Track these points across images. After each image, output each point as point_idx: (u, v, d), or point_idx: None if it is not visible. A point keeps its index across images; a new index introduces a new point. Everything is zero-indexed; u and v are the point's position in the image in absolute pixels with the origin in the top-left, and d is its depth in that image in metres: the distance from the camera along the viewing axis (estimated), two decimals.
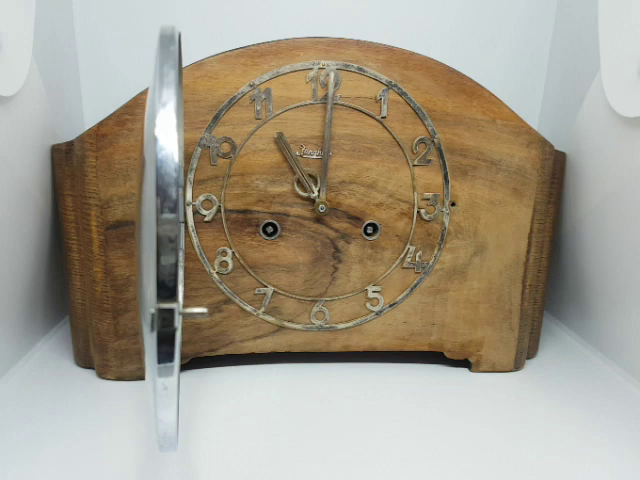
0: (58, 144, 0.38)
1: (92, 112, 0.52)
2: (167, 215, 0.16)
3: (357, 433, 0.34)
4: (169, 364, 0.16)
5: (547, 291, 0.44)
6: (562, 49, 0.50)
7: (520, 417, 0.37)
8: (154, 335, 0.16)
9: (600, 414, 0.37)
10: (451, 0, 0.52)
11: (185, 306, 0.38)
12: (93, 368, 0.41)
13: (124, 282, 0.38)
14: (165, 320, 0.16)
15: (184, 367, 0.40)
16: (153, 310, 0.16)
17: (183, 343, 0.39)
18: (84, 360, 0.41)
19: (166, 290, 0.16)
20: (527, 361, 0.45)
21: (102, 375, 0.40)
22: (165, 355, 0.16)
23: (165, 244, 0.16)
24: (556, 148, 0.40)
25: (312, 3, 0.51)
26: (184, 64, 0.33)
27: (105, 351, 0.39)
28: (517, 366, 0.43)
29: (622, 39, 0.38)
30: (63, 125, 0.45)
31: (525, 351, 0.43)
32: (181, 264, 0.33)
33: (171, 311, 0.16)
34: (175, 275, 0.16)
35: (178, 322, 0.16)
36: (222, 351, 0.40)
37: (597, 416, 0.37)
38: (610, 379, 0.42)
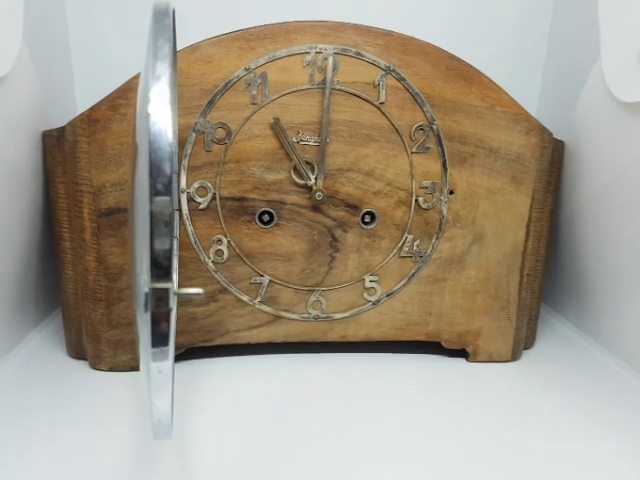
0: (49, 130, 0.37)
1: (84, 96, 0.51)
2: (160, 193, 0.15)
3: (355, 423, 0.34)
4: (164, 348, 0.16)
5: (545, 282, 0.44)
6: (561, 35, 0.50)
7: (517, 407, 0.37)
8: (148, 316, 0.15)
9: (597, 403, 0.37)
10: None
11: (180, 303, 0.37)
12: (86, 359, 0.40)
13: (117, 271, 0.37)
14: (160, 300, 0.15)
15: (178, 358, 0.40)
16: (147, 289, 0.15)
17: (178, 333, 0.39)
18: (77, 351, 0.41)
19: (160, 269, 0.15)
20: (524, 352, 0.44)
21: (95, 366, 0.39)
22: (160, 337, 0.16)
23: (159, 222, 0.15)
24: (555, 137, 0.40)
25: None
26: (178, 47, 0.32)
27: (98, 341, 0.38)
28: (514, 356, 0.43)
29: (622, 24, 0.37)
30: (54, 110, 0.44)
31: (522, 341, 0.43)
32: (175, 252, 0.32)
33: (166, 290, 0.15)
34: (170, 253, 0.16)
35: (173, 302, 0.16)
36: (217, 341, 0.40)
37: (594, 405, 0.37)
38: (607, 369, 0.42)
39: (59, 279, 0.39)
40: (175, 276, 0.33)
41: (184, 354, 0.40)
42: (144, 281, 0.16)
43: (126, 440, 0.31)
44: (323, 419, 0.34)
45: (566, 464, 0.31)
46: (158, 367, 0.16)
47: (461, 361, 0.43)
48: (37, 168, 0.39)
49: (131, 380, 0.38)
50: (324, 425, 0.33)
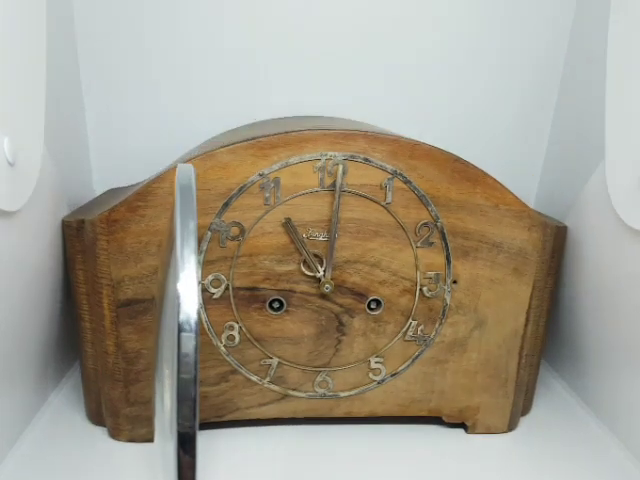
0: (69, 220, 0.39)
1: (101, 172, 0.54)
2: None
3: None
4: None
5: (545, 344, 0.46)
6: (564, 129, 0.51)
7: (510, 477, 0.39)
8: None
9: (582, 475, 0.40)
10: (450, 79, 0.53)
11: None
12: (105, 426, 0.43)
13: (135, 355, 0.39)
14: None
15: None
16: None
17: None
18: (96, 419, 0.43)
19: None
20: (521, 417, 0.46)
21: (114, 437, 0.42)
22: None
23: (183, 440, 0.17)
24: (555, 218, 0.41)
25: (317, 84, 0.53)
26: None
27: (117, 416, 0.41)
28: (511, 427, 0.45)
29: (627, 145, 0.38)
30: (72, 191, 0.46)
31: (519, 413, 0.45)
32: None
33: None
34: (193, 467, 0.17)
35: None
36: (228, 417, 0.42)
37: (574, 471, 0.40)
38: (600, 442, 0.44)
39: (79, 354, 0.41)
40: None
41: None
42: None
43: None
44: None
45: None
46: None
47: (460, 432, 0.45)
48: (58, 251, 0.41)
49: (148, 450, 0.40)
50: None
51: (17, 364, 0.39)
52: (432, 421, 0.45)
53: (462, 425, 0.45)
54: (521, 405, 0.45)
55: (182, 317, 0.20)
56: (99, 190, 0.54)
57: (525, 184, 0.56)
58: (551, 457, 0.42)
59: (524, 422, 0.46)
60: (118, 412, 0.41)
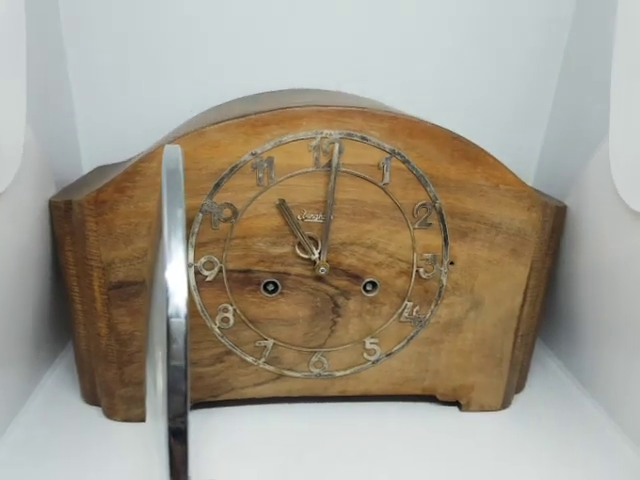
0: (56, 201, 0.37)
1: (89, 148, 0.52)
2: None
3: (353, 467, 0.38)
4: None
5: (540, 323, 0.45)
6: (565, 107, 0.49)
7: (503, 454, 0.40)
8: None
9: (576, 454, 0.40)
10: (449, 56, 0.52)
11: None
12: (100, 406, 0.42)
13: (128, 336, 0.39)
14: None
15: None
16: None
17: None
18: (91, 399, 0.43)
19: (178, 474, 0.17)
20: (515, 395, 0.47)
21: (109, 417, 0.42)
22: None
23: (176, 437, 0.17)
24: (555, 198, 0.40)
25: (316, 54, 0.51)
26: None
27: (112, 396, 0.41)
28: (504, 405, 0.45)
29: (632, 124, 0.37)
30: (59, 169, 0.45)
31: (513, 391, 0.45)
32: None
33: None
34: (186, 459, 0.17)
35: None
36: (223, 397, 0.42)
37: (573, 455, 0.40)
38: (595, 421, 0.44)
39: (72, 335, 0.41)
40: None
41: (192, 407, 0.42)
42: None
43: None
44: (324, 464, 0.37)
45: None
46: None
47: (454, 410, 0.45)
48: (45, 233, 0.40)
49: (144, 430, 0.41)
50: (326, 470, 0.37)
51: (8, 346, 0.38)
52: (426, 399, 0.45)
53: (456, 403, 0.45)
54: (515, 383, 0.45)
55: (171, 310, 0.19)
56: (88, 168, 0.52)
57: (524, 161, 0.55)
58: (544, 435, 0.42)
59: (518, 400, 0.47)
60: (113, 393, 0.40)
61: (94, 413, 0.42)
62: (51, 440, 0.39)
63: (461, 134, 0.36)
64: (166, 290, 0.18)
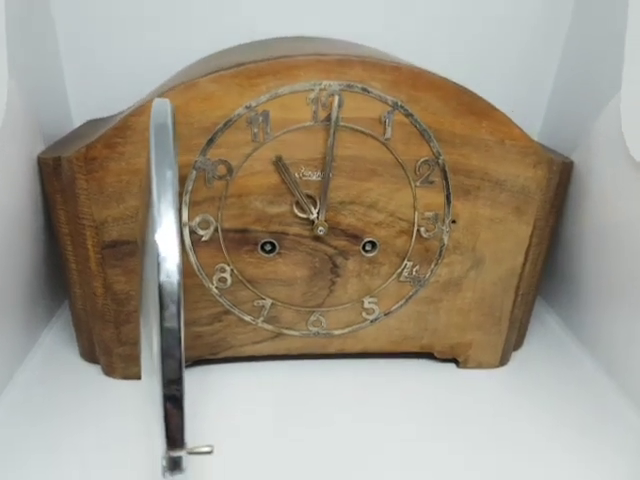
0: (45, 157, 0.36)
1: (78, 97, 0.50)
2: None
3: (351, 424, 0.38)
4: None
5: (541, 281, 0.45)
6: (575, 58, 0.47)
7: (500, 411, 0.40)
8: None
9: (574, 412, 0.40)
10: (454, 4, 0.49)
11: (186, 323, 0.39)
12: (99, 363, 0.43)
13: (125, 296, 0.38)
14: (175, 464, 0.17)
15: (186, 367, 0.42)
16: (164, 462, 0.17)
17: (185, 349, 0.41)
18: (90, 356, 0.43)
19: (174, 441, 0.17)
20: (513, 353, 0.47)
21: (108, 374, 0.42)
22: None
23: (170, 402, 0.16)
24: (561, 154, 0.39)
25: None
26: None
27: (110, 355, 0.41)
28: (502, 363, 0.45)
29: None
30: (48, 124, 0.43)
31: (511, 349, 0.46)
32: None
33: (180, 457, 0.17)
34: (182, 426, 0.17)
35: (186, 463, 0.17)
36: (222, 354, 0.42)
37: (569, 412, 0.40)
38: (591, 377, 0.45)
39: (68, 295, 0.40)
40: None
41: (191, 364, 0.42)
42: (160, 449, 0.17)
43: (142, 448, 0.34)
44: (323, 421, 0.38)
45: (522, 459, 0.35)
46: None
47: (451, 367, 0.46)
48: (37, 192, 0.38)
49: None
50: (324, 427, 0.37)
51: (3, 305, 0.38)
52: (424, 356, 0.45)
53: (454, 360, 0.45)
54: (513, 341, 0.45)
55: (163, 275, 0.18)
56: (79, 122, 0.50)
57: (530, 114, 0.53)
58: (542, 393, 0.42)
59: (516, 357, 0.47)
60: (111, 351, 0.40)
61: (93, 371, 0.42)
62: (50, 398, 0.39)
63: (466, 86, 0.34)
64: (157, 255, 0.18)
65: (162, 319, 0.17)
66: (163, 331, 0.17)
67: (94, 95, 0.52)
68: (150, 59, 0.51)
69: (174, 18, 0.49)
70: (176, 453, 0.17)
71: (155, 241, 0.18)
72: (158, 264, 0.18)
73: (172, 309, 0.17)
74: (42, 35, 0.46)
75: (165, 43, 0.50)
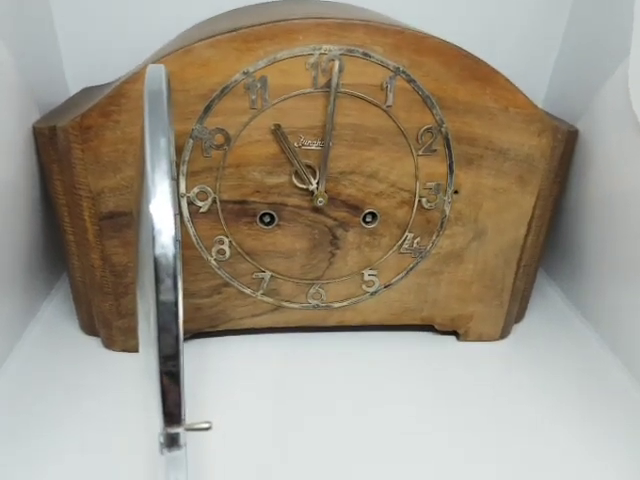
0: (40, 127, 0.35)
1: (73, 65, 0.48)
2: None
3: (351, 395, 0.38)
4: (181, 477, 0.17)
5: (543, 252, 0.44)
6: (581, 24, 0.45)
7: (500, 384, 0.40)
8: (165, 457, 0.17)
9: (574, 386, 0.40)
10: None
11: (185, 295, 0.38)
12: (98, 336, 0.43)
13: (123, 268, 0.38)
14: (173, 440, 0.17)
15: (186, 339, 0.42)
16: (162, 438, 0.17)
17: (185, 321, 0.41)
18: (89, 329, 0.43)
19: (171, 417, 0.17)
20: (514, 325, 0.47)
21: (108, 347, 0.42)
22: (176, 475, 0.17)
23: (167, 378, 0.16)
24: (565, 121, 0.38)
25: None
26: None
27: (109, 327, 0.41)
28: (503, 335, 0.45)
29: None
30: (43, 92, 0.42)
31: (512, 322, 0.46)
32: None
33: (178, 434, 0.17)
34: (179, 402, 0.16)
35: (184, 440, 0.17)
36: (222, 327, 0.42)
37: (570, 386, 0.40)
38: (593, 352, 0.44)
39: (66, 266, 0.40)
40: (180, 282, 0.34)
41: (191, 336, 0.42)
42: (157, 425, 0.17)
43: (141, 422, 0.34)
44: (323, 394, 0.38)
45: (522, 434, 0.35)
46: None
47: (451, 339, 0.46)
48: (33, 162, 0.38)
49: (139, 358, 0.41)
50: (324, 400, 0.38)
51: (2, 279, 0.38)
52: (424, 328, 0.45)
53: (454, 333, 0.45)
54: (515, 314, 0.45)
55: (158, 250, 0.18)
56: (74, 89, 0.49)
57: (535, 80, 0.51)
58: (543, 366, 0.42)
59: (517, 330, 0.47)
60: (110, 324, 0.40)
61: (93, 344, 0.42)
62: (50, 371, 0.39)
63: (470, 51, 0.33)
64: (152, 227, 0.17)
65: (158, 293, 0.17)
66: (159, 305, 0.17)
67: (90, 62, 0.50)
68: (147, 25, 0.49)
69: None
70: (174, 430, 0.17)
71: (150, 212, 0.17)
72: (153, 237, 0.17)
73: (168, 283, 0.17)
74: (35, 1, 0.44)
75: (162, 8, 0.49)
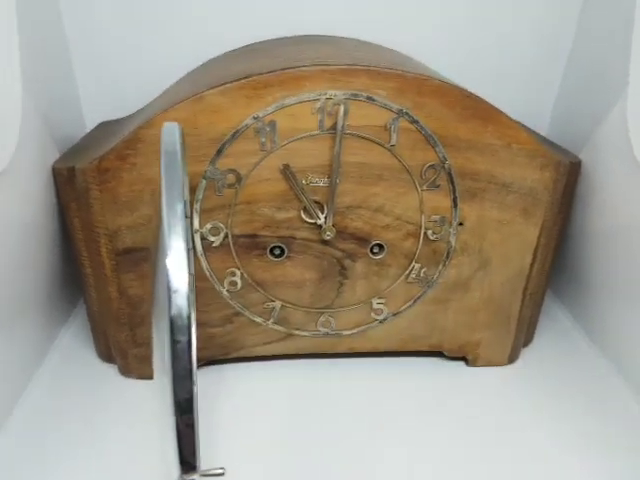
0: (59, 167, 0.37)
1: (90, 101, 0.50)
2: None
3: (360, 422, 0.39)
4: None
5: (549, 279, 0.45)
6: (582, 57, 0.46)
7: (509, 409, 0.41)
8: None
9: (582, 411, 0.41)
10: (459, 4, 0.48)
11: (199, 325, 0.40)
12: (115, 363, 0.44)
13: (139, 299, 0.39)
14: None
15: (199, 367, 0.44)
16: None
17: (198, 349, 0.42)
18: (107, 357, 0.44)
19: (187, 465, 0.18)
20: (522, 349, 0.47)
21: (125, 374, 0.43)
22: None
23: (184, 430, 0.17)
24: (568, 152, 0.38)
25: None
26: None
27: (125, 356, 0.42)
28: (511, 360, 0.46)
29: None
30: (61, 131, 0.44)
31: (520, 347, 0.46)
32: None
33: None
34: (194, 451, 0.18)
35: None
36: (234, 354, 0.43)
37: (578, 411, 0.41)
38: (601, 376, 0.45)
39: (84, 298, 0.42)
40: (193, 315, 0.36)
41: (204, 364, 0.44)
42: (173, 471, 0.18)
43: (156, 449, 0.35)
44: (333, 420, 0.39)
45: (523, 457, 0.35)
46: None
47: (460, 364, 0.46)
48: (53, 199, 0.39)
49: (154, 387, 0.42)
50: (335, 425, 0.39)
51: (22, 309, 0.39)
52: (433, 354, 0.46)
53: (463, 358, 0.46)
54: (522, 339, 0.46)
55: (174, 311, 0.19)
56: (90, 123, 0.51)
57: (537, 113, 0.52)
58: (550, 390, 0.43)
59: (525, 354, 0.47)
60: (126, 353, 0.42)
61: (110, 371, 0.44)
62: (69, 398, 0.41)
63: (473, 83, 0.35)
64: (168, 289, 0.18)
65: (173, 351, 0.18)
66: (174, 362, 0.18)
67: (105, 98, 0.52)
68: (160, 60, 0.51)
69: (183, 20, 0.49)
70: (189, 477, 0.18)
71: (168, 275, 0.19)
72: (169, 297, 0.18)
73: (183, 343, 0.18)
74: (53, 41, 0.46)
75: (174, 44, 0.51)
